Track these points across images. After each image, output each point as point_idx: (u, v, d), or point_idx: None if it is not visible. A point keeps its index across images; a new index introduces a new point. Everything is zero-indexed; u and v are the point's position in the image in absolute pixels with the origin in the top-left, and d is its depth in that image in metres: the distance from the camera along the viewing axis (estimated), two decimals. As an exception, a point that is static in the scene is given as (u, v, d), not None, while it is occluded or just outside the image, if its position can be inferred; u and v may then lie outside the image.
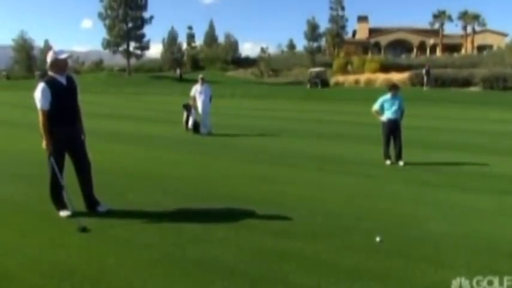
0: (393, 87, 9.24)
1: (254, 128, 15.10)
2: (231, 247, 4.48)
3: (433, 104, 26.43)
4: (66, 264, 4.09)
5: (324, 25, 63.29)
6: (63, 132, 5.23)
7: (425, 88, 38.98)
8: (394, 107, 9.05)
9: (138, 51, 61.94)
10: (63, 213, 5.40)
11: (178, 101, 16.26)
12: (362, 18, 69.92)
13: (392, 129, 9.07)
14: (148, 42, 61.79)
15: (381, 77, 43.35)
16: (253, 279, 3.81)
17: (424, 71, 40.67)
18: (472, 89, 38.28)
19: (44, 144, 5.16)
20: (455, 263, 4.18)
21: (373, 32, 68.48)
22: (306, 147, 11.39)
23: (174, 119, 16.03)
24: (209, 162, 9.35)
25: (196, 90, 14.09)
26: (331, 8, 61.75)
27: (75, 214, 5.30)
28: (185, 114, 14.54)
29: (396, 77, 41.34)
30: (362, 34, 69.39)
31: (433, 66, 44.29)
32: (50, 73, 5.22)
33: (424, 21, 69.78)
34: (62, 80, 5.23)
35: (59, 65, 5.21)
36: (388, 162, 9.08)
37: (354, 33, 72.19)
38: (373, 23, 70.21)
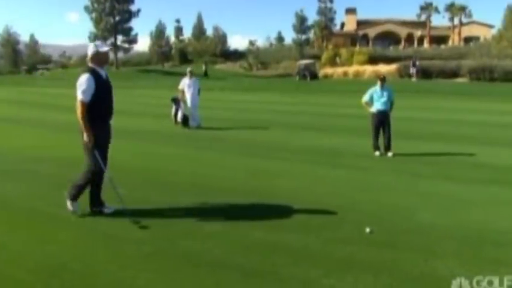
0: (383, 79, 9.28)
1: (244, 121, 15.07)
2: (222, 241, 4.46)
3: (420, 96, 26.62)
4: (55, 260, 4.03)
5: (312, 17, 63.58)
6: (104, 127, 5.16)
7: (413, 79, 39.26)
8: (383, 99, 9.09)
9: (126, 45, 61.39)
10: (72, 208, 5.25)
11: (167, 95, 16.15)
12: (350, 11, 69.98)
13: (382, 120, 9.11)
14: (135, 35, 61.30)
15: (369, 69, 43.57)
16: (245, 272, 3.81)
17: (411, 62, 40.95)
18: (459, 80, 38.66)
19: (85, 137, 4.94)
20: (445, 252, 4.22)
21: (361, 24, 68.62)
22: (296, 139, 11.40)
23: (163, 113, 15.92)
24: (199, 155, 9.30)
25: (184, 83, 14.00)
26: (320, 1, 61.78)
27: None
28: (174, 107, 14.45)
29: (384, 68, 41.58)
30: (350, 26, 69.49)
31: (421, 57, 44.68)
32: (91, 65, 5.05)
33: (411, 13, 70.35)
34: (103, 73, 5.11)
35: (101, 57, 5.09)
36: (377, 153, 9.13)
37: (342, 25, 72.29)
38: (361, 15, 70.45)
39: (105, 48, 5.14)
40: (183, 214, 5.30)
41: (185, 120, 13.90)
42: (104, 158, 5.21)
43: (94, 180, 5.18)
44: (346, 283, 3.63)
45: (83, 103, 4.86)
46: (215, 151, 9.81)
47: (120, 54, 63.15)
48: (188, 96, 13.88)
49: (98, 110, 4.99)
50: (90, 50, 5.03)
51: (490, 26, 61.97)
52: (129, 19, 59.87)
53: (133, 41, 61.41)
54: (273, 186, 6.70)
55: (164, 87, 32.37)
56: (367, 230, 4.68)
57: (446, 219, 5.22)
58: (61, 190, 5.41)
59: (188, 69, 14.69)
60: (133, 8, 59.98)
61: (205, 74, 47.36)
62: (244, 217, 5.22)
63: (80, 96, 4.86)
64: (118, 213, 5.27)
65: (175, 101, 14.41)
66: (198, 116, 13.92)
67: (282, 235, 4.62)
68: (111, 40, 58.73)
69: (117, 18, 58.55)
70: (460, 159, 8.93)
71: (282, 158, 9.02)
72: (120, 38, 59.87)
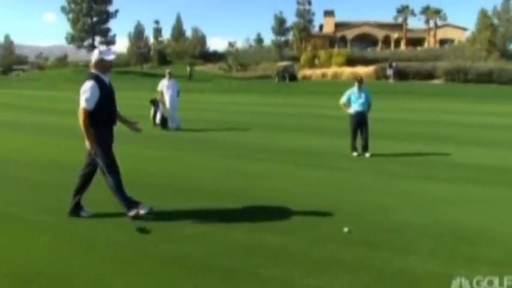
0: (360, 80, 9.41)
1: (224, 122, 15.05)
2: (202, 243, 4.45)
3: (397, 97, 27.05)
4: (31, 265, 3.96)
5: (291, 19, 63.74)
6: (109, 134, 5.12)
7: (390, 81, 39.86)
8: (361, 100, 9.22)
9: (104, 46, 60.50)
10: (84, 214, 5.17)
11: (146, 96, 16.01)
12: (328, 13, 70.61)
13: (359, 121, 9.24)
14: (114, 36, 60.53)
15: (347, 71, 44.05)
16: (224, 273, 3.81)
17: (387, 64, 41.59)
18: (435, 81, 39.45)
19: (87, 144, 4.89)
20: (421, 250, 4.31)
21: (339, 26, 69.29)
22: (276, 140, 11.45)
23: (142, 114, 15.72)
24: (178, 157, 9.26)
25: (163, 85, 13.91)
26: (298, 3, 62.21)
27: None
28: (152, 109, 14.34)
29: (362, 70, 42.08)
30: (328, 28, 70.12)
31: (398, 59, 45.41)
32: (94, 71, 4.96)
33: (388, 16, 71.33)
34: (106, 79, 5.02)
35: (105, 65, 5.00)
36: (355, 154, 9.24)
37: (321, 27, 72.87)
38: (339, 17, 71.13)
39: (111, 57, 5.03)
40: (163, 216, 5.26)
41: (164, 122, 13.81)
42: (116, 165, 5.19)
43: (118, 173, 5.11)
44: (326, 282, 3.67)
45: (85, 111, 4.78)
46: (195, 153, 9.77)
47: (98, 56, 62.25)
48: (167, 98, 13.80)
49: (101, 116, 4.92)
50: (95, 56, 4.94)
51: (464, 29, 63.40)
52: (106, 20, 59.10)
53: (111, 42, 60.58)
54: (253, 187, 6.72)
55: (143, 88, 32.07)
56: (345, 229, 4.74)
57: (423, 217, 5.32)
58: (37, 194, 5.31)
59: (167, 70, 14.62)
60: (111, 8, 59.29)
61: (190, 76, 47.04)
62: (225, 219, 5.22)
63: (83, 103, 4.78)
64: (97, 217, 5.21)
65: (154, 103, 14.31)
66: (177, 118, 13.85)
67: (263, 236, 4.64)
68: (88, 41, 57.91)
69: (94, 19, 57.74)
70: (435, 158, 9.12)
71: (262, 159, 9.05)
72: (98, 39, 59.00)
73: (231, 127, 13.80)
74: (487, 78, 37.35)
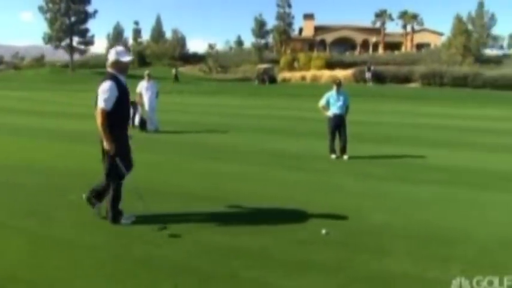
0: (339, 83, 9.50)
1: (203, 124, 14.99)
2: (179, 245, 4.42)
3: (375, 100, 27.41)
4: (5, 269, 3.86)
5: (271, 22, 63.91)
6: (123, 134, 5.03)
7: (369, 84, 40.39)
8: (339, 103, 9.32)
9: (82, 47, 59.47)
10: (125, 221, 5.06)
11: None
12: (308, 16, 71.11)
13: (338, 124, 9.33)
14: (92, 37, 59.49)
15: (326, 74, 44.43)
16: (202, 276, 3.79)
17: (366, 67, 42.15)
18: (412, 85, 40.13)
19: (105, 145, 4.82)
20: (397, 251, 4.38)
21: (318, 29, 69.85)
22: (255, 143, 11.46)
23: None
24: (157, 159, 9.16)
25: (142, 86, 13.78)
26: (278, 6, 62.40)
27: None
28: (131, 111, 14.17)
29: (341, 73, 42.50)
30: (308, 32, 70.61)
31: (375, 63, 46.01)
32: (112, 71, 4.91)
33: (366, 20, 72.24)
34: (123, 80, 4.97)
35: (121, 67, 4.95)
36: (333, 156, 9.33)
37: (300, 30, 73.30)
38: (318, 20, 71.67)
39: (127, 59, 4.96)
40: (139, 220, 5.19)
41: (143, 124, 13.67)
42: (128, 164, 5.12)
43: (119, 183, 5.03)
44: (304, 284, 3.70)
45: (103, 111, 4.73)
46: (173, 155, 9.70)
47: (76, 56, 61.15)
48: (146, 100, 13.66)
49: (117, 117, 4.85)
50: (111, 57, 4.89)
51: (440, 34, 64.68)
52: (85, 20, 58.09)
53: (89, 42, 59.64)
54: (232, 189, 6.71)
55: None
56: (323, 231, 4.78)
57: (399, 219, 5.41)
58: (11, 198, 5.19)
59: (146, 72, 14.46)
60: (89, 8, 58.25)
61: (176, 78, 46.64)
62: (203, 221, 5.20)
63: (101, 104, 4.73)
64: (71, 220, 5.12)
65: (133, 105, 14.13)
66: (156, 120, 13.73)
67: (241, 238, 4.64)
68: (66, 41, 56.82)
69: (72, 19, 56.66)
70: (412, 161, 9.27)
71: (240, 161, 9.04)
72: (76, 39, 57.92)
73: (210, 129, 13.75)
74: (462, 82, 38.17)
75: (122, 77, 4.97)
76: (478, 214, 5.72)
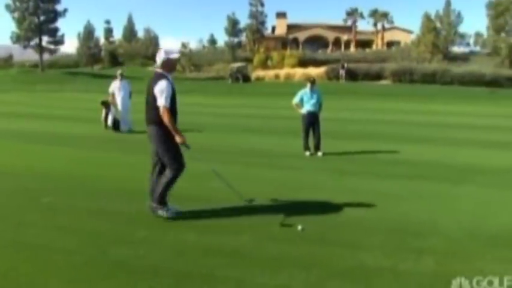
0: (313, 81, 9.60)
1: (177, 123, 14.84)
2: (155, 246, 4.38)
3: (348, 97, 27.79)
4: (-28, 277, 3.75)
5: (244, 21, 63.87)
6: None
7: (341, 81, 40.92)
8: (313, 100, 9.41)
9: (52, 46, 57.96)
10: (163, 213, 5.21)
11: (97, 98, 15.56)
12: (280, 15, 71.41)
13: (312, 121, 9.43)
14: (62, 36, 58.07)
15: (299, 72, 44.74)
16: (178, 276, 3.77)
17: (340, 65, 42.68)
18: (383, 82, 40.86)
19: (178, 139, 5.18)
20: (371, 245, 4.46)
21: (291, 28, 70.25)
22: (229, 141, 11.46)
23: (93, 117, 15.33)
24: (130, 160, 9.05)
25: (115, 86, 13.57)
26: (251, 4, 62.49)
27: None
28: (104, 111, 13.96)
29: (314, 71, 42.90)
30: (281, 30, 70.92)
31: (348, 61, 46.58)
32: (160, 71, 5.14)
33: (338, 18, 72.99)
34: (171, 78, 5.22)
35: (171, 64, 5.19)
36: (307, 153, 9.42)
37: (273, 29, 73.58)
38: (291, 19, 72.04)
39: (175, 55, 5.22)
40: (114, 220, 5.13)
41: (116, 125, 13.48)
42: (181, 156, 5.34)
43: (177, 179, 5.27)
44: (281, 281, 3.73)
45: (167, 108, 4.99)
46: (147, 155, 9.55)
47: (46, 56, 59.62)
48: (119, 100, 13.47)
49: (173, 114, 5.22)
50: (160, 57, 5.10)
51: (410, 32, 66.03)
52: (54, 19, 56.65)
53: (59, 42, 58.20)
54: (205, 188, 6.69)
55: (94, 90, 31.15)
56: (299, 227, 4.83)
57: (372, 213, 5.52)
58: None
59: (118, 71, 14.27)
60: (59, 7, 56.79)
61: None
62: (178, 221, 5.16)
63: (163, 102, 4.96)
64: (44, 224, 5.01)
65: (105, 105, 13.94)
66: (130, 120, 13.56)
67: (216, 237, 4.64)
68: (35, 41, 55.30)
69: (41, 18, 55.15)
70: (384, 156, 9.46)
71: (214, 160, 8.98)
72: (45, 38, 56.41)
73: (184, 128, 13.50)
74: (431, 78, 39.08)
75: (170, 76, 5.21)
76: (448, 207, 5.88)
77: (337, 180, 7.37)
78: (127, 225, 4.98)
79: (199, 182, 7.13)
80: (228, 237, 4.64)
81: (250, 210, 5.53)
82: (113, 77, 14.74)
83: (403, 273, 3.89)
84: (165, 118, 5.01)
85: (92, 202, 5.88)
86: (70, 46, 72.43)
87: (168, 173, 5.23)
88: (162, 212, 5.21)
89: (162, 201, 5.23)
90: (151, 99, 5.07)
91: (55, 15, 56.52)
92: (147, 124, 5.28)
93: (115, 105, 13.55)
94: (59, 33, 57.63)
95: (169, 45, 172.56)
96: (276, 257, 4.18)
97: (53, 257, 4.13)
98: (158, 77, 5.08)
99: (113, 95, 13.52)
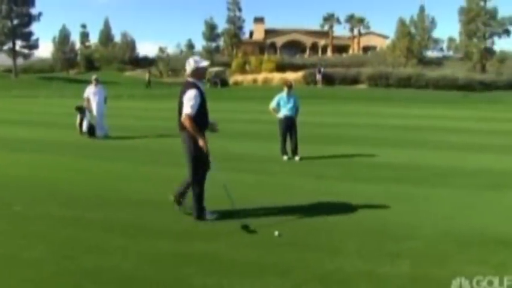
0: (290, 85, 9.64)
1: (154, 129, 14.68)
2: (129, 254, 4.29)
3: (325, 101, 28.01)
4: None
5: (222, 25, 63.77)
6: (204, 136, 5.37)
7: (319, 86, 41.25)
8: (290, 105, 9.45)
9: (26, 51, 56.67)
10: (210, 217, 5.38)
11: (72, 103, 15.23)
12: (258, 20, 71.60)
13: (289, 125, 9.46)
14: (37, 40, 56.79)
15: (277, 76, 44.89)
16: (154, 285, 3.69)
17: (317, 70, 43.03)
18: (360, 86, 41.34)
19: (201, 142, 5.23)
20: (348, 249, 4.47)
21: (269, 33, 70.53)
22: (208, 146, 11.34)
23: (68, 123, 15.01)
24: (106, 166, 8.90)
25: (89, 91, 13.35)
26: (229, 9, 62.43)
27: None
28: (78, 117, 13.71)
29: (291, 76, 43.10)
30: (258, 35, 71.13)
31: (325, 65, 47.00)
32: (191, 79, 5.32)
33: (315, 23, 73.59)
34: (202, 86, 5.39)
35: (200, 72, 5.36)
36: (285, 157, 9.44)
37: (251, 33, 73.72)
38: (268, 24, 72.32)
39: (204, 64, 5.39)
40: (88, 229, 5.01)
41: (91, 130, 13.24)
42: (206, 164, 5.48)
43: (202, 183, 5.42)
44: (257, 287, 3.69)
45: (189, 116, 5.12)
46: (122, 161, 9.45)
47: (20, 61, 58.19)
48: (94, 105, 13.25)
49: (202, 121, 5.31)
50: (190, 66, 5.28)
51: (385, 37, 67.07)
52: (29, 23, 55.39)
53: (34, 46, 56.93)
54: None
55: (69, 95, 30.57)
56: (276, 233, 4.80)
57: (349, 216, 5.54)
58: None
59: (93, 76, 14.04)
60: (33, 11, 55.52)
61: (149, 83, 45.18)
62: (154, 227, 5.08)
63: (188, 110, 5.12)
64: (14, 233, 4.86)
65: (80, 110, 13.69)
66: (105, 125, 13.35)
67: (192, 244, 4.58)
68: (8, 45, 53.96)
69: (15, 21, 53.85)
70: (361, 160, 9.55)
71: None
72: (19, 43, 55.13)
73: (162, 134, 13.51)
74: (406, 82, 39.74)
75: (201, 84, 5.41)
76: (424, 209, 5.96)
77: (315, 184, 7.39)
78: (102, 234, 4.87)
79: (171, 187, 7.02)
80: (203, 244, 4.59)
81: (226, 216, 5.48)
82: (88, 82, 14.47)
83: (380, 277, 3.90)
84: (187, 124, 5.15)
85: (66, 210, 5.74)
86: (45, 50, 70.93)
87: (191, 184, 5.44)
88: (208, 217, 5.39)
89: (200, 213, 5.38)
90: (181, 107, 5.25)
91: (29, 19, 55.32)
92: (178, 130, 5.45)
93: (90, 111, 13.32)
94: (33, 37, 56.42)
95: (147, 49, 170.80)
96: (253, 263, 4.15)
97: (22, 268, 4.00)
98: (188, 85, 5.28)
99: (88, 100, 13.30)
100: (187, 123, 5.14)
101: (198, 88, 5.26)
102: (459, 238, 4.84)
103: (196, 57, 5.51)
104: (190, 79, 5.35)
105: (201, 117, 5.27)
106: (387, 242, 4.69)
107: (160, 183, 7.41)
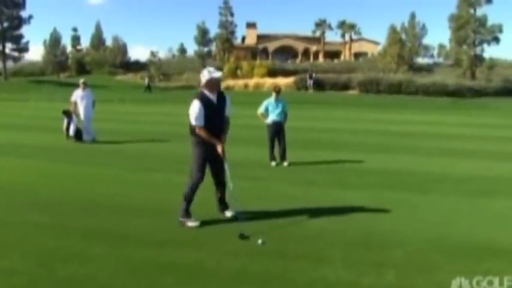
0: (278, 91, 9.57)
1: (143, 133, 14.52)
2: (108, 263, 4.15)
3: (316, 107, 28.01)
4: None
5: (214, 30, 63.71)
6: (209, 148, 5.44)
7: (310, 91, 41.33)
8: (278, 110, 9.37)
9: (16, 54, 56.17)
10: (192, 224, 5.32)
11: (62, 107, 15.01)
12: (250, 25, 71.68)
13: (277, 131, 9.37)
14: (27, 43, 56.35)
15: (268, 81, 44.88)
16: (131, 295, 3.58)
17: (307, 75, 43.12)
18: (351, 92, 41.46)
19: (219, 148, 5.39)
20: (333, 258, 4.37)
21: (261, 38, 70.63)
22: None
23: (55, 127, 14.79)
24: (90, 171, 8.73)
25: (77, 95, 13.18)
26: (221, 14, 62.40)
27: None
28: (65, 121, 13.51)
29: (283, 81, 43.09)
30: (251, 40, 71.20)
31: (316, 71, 47.11)
32: (203, 90, 5.44)
33: (307, 29, 73.84)
34: (213, 97, 5.46)
35: (214, 83, 5.44)
36: (273, 163, 9.34)
37: (243, 39, 73.79)
38: (261, 29, 72.44)
39: (217, 74, 5.47)
40: (68, 236, 4.86)
41: (78, 134, 13.06)
42: (218, 169, 5.71)
43: (194, 191, 5.46)
44: (238, 297, 3.59)
45: (198, 127, 5.36)
46: (108, 166, 9.28)
47: (10, 64, 57.61)
48: (81, 109, 13.08)
49: (208, 130, 5.37)
50: (204, 77, 5.38)
51: (376, 43, 67.46)
52: (19, 26, 54.91)
53: (24, 49, 56.43)
54: (166, 201, 6.42)
55: (59, 99, 30.23)
56: (259, 241, 4.69)
57: (335, 224, 5.44)
58: None
59: (81, 80, 13.86)
60: (24, 14, 55.10)
61: (149, 88, 44.79)
62: (135, 235, 4.94)
63: (194, 122, 5.36)
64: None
65: (67, 114, 13.50)
66: (93, 130, 13.17)
67: (173, 252, 4.45)
68: (-2, 48, 53.48)
69: (5, 24, 53.40)
70: (350, 166, 9.47)
71: (178, 171, 8.76)
72: (9, 45, 54.59)
73: (151, 138, 13.36)
74: (397, 89, 39.91)
75: (213, 95, 5.47)
76: (411, 217, 5.89)
77: (303, 190, 7.29)
78: (80, 241, 4.73)
79: (158, 193, 6.93)
80: (185, 252, 4.46)
81: (209, 223, 5.36)
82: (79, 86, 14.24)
83: (365, 286, 3.81)
84: (201, 135, 5.36)
85: (45, 217, 5.59)
86: (36, 54, 70.30)
87: (188, 182, 5.51)
88: (190, 224, 5.33)
89: (184, 215, 5.40)
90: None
91: (19, 22, 54.86)
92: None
93: (77, 115, 13.14)
94: (24, 40, 55.99)
95: (138, 53, 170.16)
96: (236, 272, 4.04)
97: (-4, 278, 3.85)
98: (194, 96, 5.48)
99: (75, 104, 13.13)
100: (201, 134, 5.36)
101: (201, 99, 5.37)
102: (445, 246, 4.76)
103: (211, 68, 5.60)
104: (200, 89, 5.51)
105: (208, 127, 5.38)
106: (373, 251, 4.60)
107: (144, 189, 7.28)
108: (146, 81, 46.22)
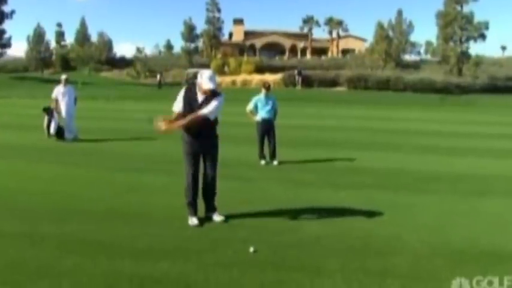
0: (268, 87, 9.22)
1: (128, 131, 14.03)
2: (83, 277, 3.73)
3: (304, 103, 27.76)
4: None
5: (200, 26, 63.14)
6: (194, 138, 5.61)
7: (298, 88, 41.14)
8: (268, 107, 9.03)
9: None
10: (190, 222, 5.20)
11: (43, 104, 14.46)
12: (238, 21, 71.28)
13: (267, 128, 9.04)
14: (9, 39, 55.24)
15: (256, 78, 44.64)
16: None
17: (296, 72, 42.93)
18: (338, 88, 41.41)
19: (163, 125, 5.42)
20: (331, 268, 4.02)
21: (248, 34, 70.27)
22: (179, 150, 10.82)
23: (35, 124, 14.24)
24: (71, 172, 8.27)
25: (58, 91, 12.68)
26: (208, 10, 61.92)
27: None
28: (46, 118, 12.98)
29: (270, 78, 42.86)
30: (238, 36, 70.78)
31: (304, 67, 46.97)
32: (194, 86, 5.49)
33: (295, 26, 73.75)
34: (200, 97, 5.42)
35: (203, 90, 5.38)
36: (262, 162, 9.01)
37: (230, 35, 73.35)
38: (248, 25, 72.04)
39: (206, 86, 5.28)
40: (39, 246, 4.42)
41: (59, 132, 12.56)
42: (206, 168, 5.74)
43: (190, 189, 5.42)
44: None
45: (175, 113, 5.52)
46: (90, 167, 8.82)
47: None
48: (63, 106, 12.58)
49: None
50: (198, 80, 5.35)
51: (364, 40, 67.60)
52: (1, 21, 53.71)
53: (6, 45, 55.30)
54: (150, 205, 6.04)
55: (41, 95, 29.47)
56: (251, 249, 4.32)
57: (331, 229, 5.09)
58: None
59: (63, 76, 13.33)
60: (6, 8, 53.87)
61: (160, 85, 44.03)
62: (114, 244, 4.52)
63: (174, 108, 5.54)
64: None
65: (48, 111, 12.97)
66: (75, 128, 12.68)
67: (158, 264, 4.03)
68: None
69: (-14, 19, 52.27)
70: (342, 164, 9.19)
71: (162, 170, 8.40)
72: (-10, 41, 53.52)
73: (135, 137, 12.91)
74: (384, 85, 39.97)
75: (201, 94, 5.41)
76: (409, 219, 5.58)
77: (294, 191, 6.94)
78: (55, 252, 4.30)
79: (143, 196, 6.52)
80: (171, 264, 4.03)
81: (196, 231, 4.99)
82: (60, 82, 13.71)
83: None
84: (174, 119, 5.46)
85: (18, 224, 5.14)
86: (19, 50, 68.96)
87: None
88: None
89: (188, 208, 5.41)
90: None
91: (1, 17, 53.67)
92: None
93: (58, 112, 12.64)
94: (6, 36, 54.81)
95: (125, 50, 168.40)
96: (224, 285, 3.68)
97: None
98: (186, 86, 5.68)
99: (57, 101, 12.63)
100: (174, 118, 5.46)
101: (188, 90, 5.49)
102: (449, 252, 4.46)
103: (211, 74, 5.42)
104: (195, 85, 5.48)
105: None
106: (372, 258, 4.27)
107: (126, 191, 6.86)
108: (158, 77, 45.75)
